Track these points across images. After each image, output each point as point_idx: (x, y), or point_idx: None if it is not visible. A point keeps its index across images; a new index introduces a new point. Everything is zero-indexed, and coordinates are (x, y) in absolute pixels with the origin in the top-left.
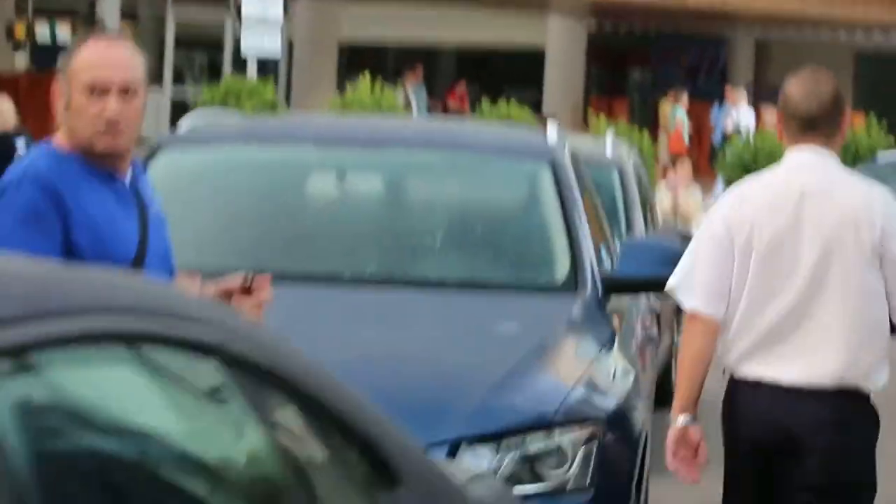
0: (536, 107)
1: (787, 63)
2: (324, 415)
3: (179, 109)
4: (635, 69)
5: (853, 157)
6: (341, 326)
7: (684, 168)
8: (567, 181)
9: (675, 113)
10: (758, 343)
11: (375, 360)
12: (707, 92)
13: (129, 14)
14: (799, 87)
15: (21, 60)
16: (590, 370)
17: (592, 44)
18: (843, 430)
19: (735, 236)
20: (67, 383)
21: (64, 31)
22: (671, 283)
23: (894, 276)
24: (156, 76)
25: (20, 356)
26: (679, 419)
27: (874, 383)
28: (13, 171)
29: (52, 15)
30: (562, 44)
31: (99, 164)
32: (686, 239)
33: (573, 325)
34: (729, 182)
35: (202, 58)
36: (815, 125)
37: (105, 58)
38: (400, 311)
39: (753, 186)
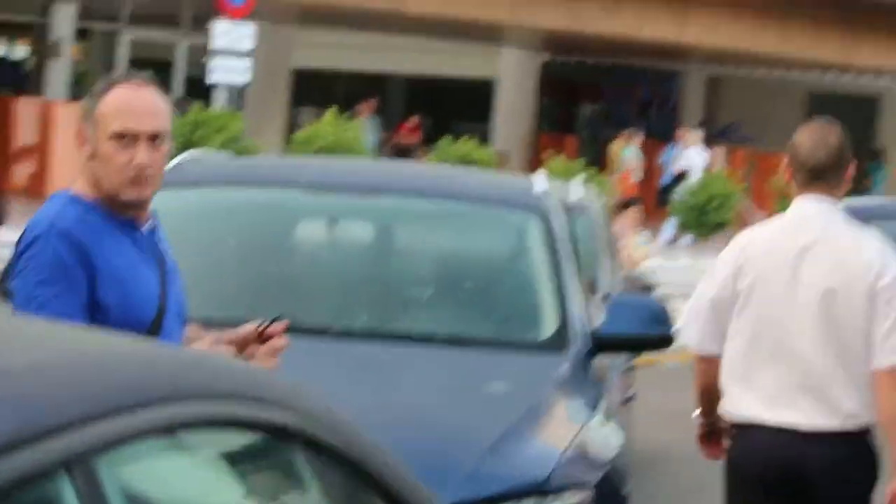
0: (484, 139)
1: (739, 100)
2: (376, 486)
3: None
4: (587, 103)
5: None
6: (329, 383)
7: (634, 214)
8: (556, 234)
9: (626, 154)
10: (763, 388)
11: (366, 422)
12: (658, 129)
13: (82, 32)
14: (808, 138)
15: None
16: (581, 434)
17: (544, 76)
18: (851, 470)
19: (738, 283)
20: (161, 469)
21: (21, 50)
22: (681, 322)
23: (880, 322)
24: None
25: (118, 447)
26: (704, 418)
27: (874, 417)
28: (37, 222)
29: (11, 33)
30: (514, 75)
31: (122, 212)
32: (650, 289)
33: (563, 386)
34: (683, 224)
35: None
36: (822, 175)
37: (134, 105)
38: (390, 368)
39: (759, 234)
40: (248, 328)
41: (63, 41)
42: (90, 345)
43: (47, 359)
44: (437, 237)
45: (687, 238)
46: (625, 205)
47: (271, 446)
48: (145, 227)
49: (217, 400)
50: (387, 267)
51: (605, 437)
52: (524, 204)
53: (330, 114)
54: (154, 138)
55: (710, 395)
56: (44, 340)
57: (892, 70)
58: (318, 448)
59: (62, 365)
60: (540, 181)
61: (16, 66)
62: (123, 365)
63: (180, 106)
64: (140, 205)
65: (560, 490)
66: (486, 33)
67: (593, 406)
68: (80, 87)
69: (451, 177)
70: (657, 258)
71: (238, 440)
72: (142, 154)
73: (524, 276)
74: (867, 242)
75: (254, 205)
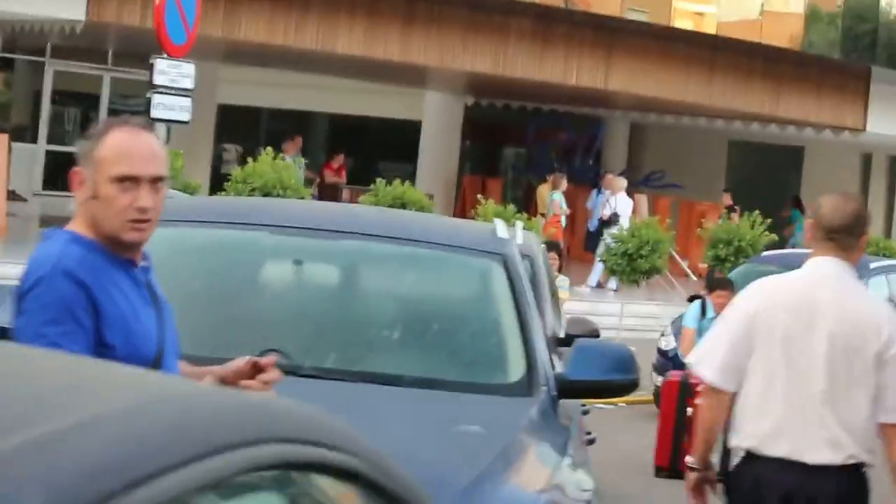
0: (411, 179)
1: (663, 147)
2: None
3: (54, 163)
4: (511, 147)
5: (736, 252)
6: None
7: (553, 258)
8: (520, 279)
9: (555, 197)
10: (775, 426)
11: None
12: (583, 174)
13: (7, 61)
14: (829, 203)
15: None
16: (554, 478)
17: (469, 118)
18: (851, 501)
19: (756, 328)
20: None
21: None
22: (691, 358)
23: (890, 380)
24: (31, 128)
25: (214, 488)
26: (699, 465)
27: (868, 457)
28: (39, 262)
29: None
30: (438, 118)
31: (120, 252)
32: (596, 333)
33: (533, 430)
34: (612, 271)
35: (76, 112)
36: (837, 237)
37: (135, 148)
38: (361, 409)
39: (777, 286)
40: (240, 362)
41: None
42: (167, 389)
43: (140, 401)
44: (406, 281)
45: (612, 283)
46: (547, 248)
47: (339, 490)
48: (141, 266)
49: (288, 444)
50: (352, 310)
51: (577, 481)
52: (489, 249)
53: (267, 153)
54: (155, 181)
55: (713, 432)
56: (121, 385)
57: (817, 123)
58: (379, 492)
59: (152, 408)
60: (500, 227)
61: None
62: (210, 408)
63: None
64: (138, 246)
65: None
66: (411, 75)
67: (563, 449)
68: (3, 116)
69: (418, 221)
70: (585, 303)
71: (309, 483)
72: (144, 197)
73: (491, 320)
74: (877, 307)
75: (224, 245)
